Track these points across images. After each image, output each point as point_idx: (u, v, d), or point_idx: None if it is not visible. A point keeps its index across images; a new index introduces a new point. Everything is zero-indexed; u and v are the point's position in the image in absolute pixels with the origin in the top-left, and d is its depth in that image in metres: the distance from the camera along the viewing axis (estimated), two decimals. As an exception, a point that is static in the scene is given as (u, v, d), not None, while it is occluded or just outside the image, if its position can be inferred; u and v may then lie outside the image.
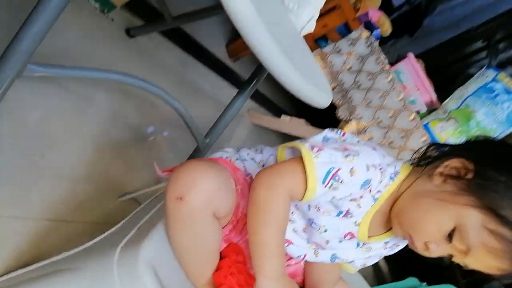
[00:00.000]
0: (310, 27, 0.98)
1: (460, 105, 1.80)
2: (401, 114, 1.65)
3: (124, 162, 1.15)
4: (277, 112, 2.30)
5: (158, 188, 1.03)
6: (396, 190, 0.63)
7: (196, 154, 1.25)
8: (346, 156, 0.59)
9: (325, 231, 0.66)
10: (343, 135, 0.68)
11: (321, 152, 0.60)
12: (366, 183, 0.60)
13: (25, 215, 0.84)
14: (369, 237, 0.66)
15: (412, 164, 0.69)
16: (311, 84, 0.77)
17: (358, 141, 0.66)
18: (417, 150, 0.69)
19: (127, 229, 0.68)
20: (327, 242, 0.67)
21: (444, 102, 1.86)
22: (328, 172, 0.58)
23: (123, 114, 1.21)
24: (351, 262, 0.75)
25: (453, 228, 0.57)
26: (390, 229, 0.69)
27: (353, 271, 0.78)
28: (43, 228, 0.87)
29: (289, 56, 0.69)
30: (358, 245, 0.69)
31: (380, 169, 0.61)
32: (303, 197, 0.60)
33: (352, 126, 1.75)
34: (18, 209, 0.84)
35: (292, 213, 0.69)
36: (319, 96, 0.80)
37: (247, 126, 2.02)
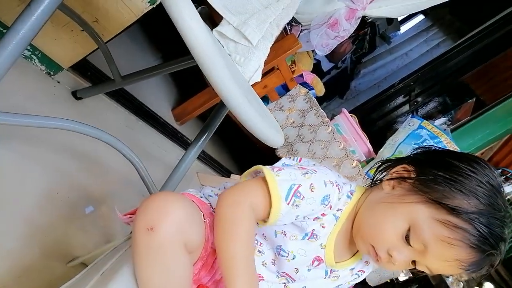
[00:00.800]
0: (257, 77, 1.06)
1: (394, 152, 1.95)
2: (344, 162, 1.75)
3: (72, 224, 1.08)
4: (225, 173, 2.33)
5: (110, 246, 0.97)
6: (354, 207, 0.67)
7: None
8: (305, 173, 0.63)
9: (294, 258, 0.67)
10: (299, 160, 0.72)
11: (281, 171, 0.63)
12: (326, 199, 0.63)
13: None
14: (336, 262, 0.68)
15: (364, 186, 0.74)
16: (267, 123, 0.82)
17: (314, 164, 0.71)
18: (368, 177, 0.75)
19: (87, 278, 0.64)
20: (297, 270, 0.68)
21: (380, 151, 2.02)
22: (290, 189, 0.61)
23: (72, 175, 1.16)
24: None
25: (408, 227, 0.60)
26: (355, 253, 0.71)
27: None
28: None
29: (247, 98, 0.74)
30: (326, 273, 0.70)
31: (337, 185, 0.65)
32: (268, 217, 0.61)
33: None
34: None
35: (260, 244, 0.69)
36: (274, 134, 0.85)
37: (196, 187, 2.00)
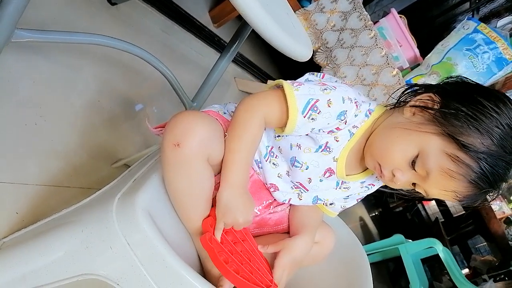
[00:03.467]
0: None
1: (442, 59, 1.83)
2: (384, 70, 1.67)
3: (115, 130, 1.18)
4: (263, 78, 2.32)
5: (149, 151, 1.06)
6: (371, 126, 0.69)
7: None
8: (324, 89, 0.65)
9: (307, 168, 0.71)
10: (322, 77, 0.72)
11: (301, 86, 0.65)
12: (342, 114, 0.65)
13: (24, 182, 0.87)
14: (346, 175, 0.71)
15: (386, 106, 0.73)
16: (291, 37, 0.79)
17: (336, 81, 0.70)
18: (394, 92, 0.74)
19: (123, 183, 0.72)
20: (309, 180, 0.72)
21: (427, 57, 1.89)
22: (307, 103, 0.63)
23: (111, 83, 1.22)
24: (331, 204, 0.80)
25: (416, 154, 0.62)
26: (366, 169, 0.74)
27: (334, 215, 0.84)
28: (42, 193, 0.90)
29: (269, 11, 0.71)
30: (337, 184, 0.74)
31: (355, 102, 0.66)
32: (283, 126, 0.65)
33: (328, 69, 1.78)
34: (17, 176, 0.86)
35: (276, 157, 0.73)
36: (299, 48, 0.83)
37: (234, 93, 2.04)
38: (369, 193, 0.79)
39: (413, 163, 0.63)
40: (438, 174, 0.61)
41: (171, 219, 0.69)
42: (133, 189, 0.66)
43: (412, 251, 2.26)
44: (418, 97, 0.66)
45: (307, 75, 0.73)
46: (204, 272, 0.71)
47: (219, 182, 0.72)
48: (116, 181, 0.77)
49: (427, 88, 0.67)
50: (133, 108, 1.27)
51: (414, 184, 0.66)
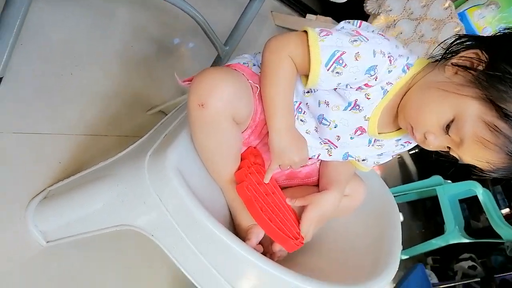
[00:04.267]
0: None
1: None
2: (434, 3, 1.52)
3: (149, 76, 1.18)
4: (302, 11, 2.19)
5: (183, 98, 1.07)
6: (408, 83, 0.63)
7: (218, 62, 1.26)
8: (354, 41, 0.59)
9: (335, 126, 0.68)
10: (359, 25, 0.67)
11: (328, 36, 0.60)
12: (372, 69, 0.60)
13: (64, 132, 0.91)
14: (379, 133, 0.68)
15: (430, 57, 0.67)
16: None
17: (373, 31, 0.65)
18: (442, 42, 0.67)
19: (154, 138, 0.73)
20: (338, 138, 0.70)
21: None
22: (332, 55, 0.59)
23: (144, 27, 1.20)
24: (364, 160, 0.78)
25: (452, 119, 0.58)
26: (401, 127, 0.70)
27: (366, 170, 0.82)
28: (81, 142, 0.94)
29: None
30: (369, 142, 0.71)
31: (389, 57, 0.60)
32: (306, 80, 0.62)
33: (380, 20, 1.64)
34: (57, 127, 0.90)
35: (304, 113, 0.71)
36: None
37: (270, 28, 1.95)
38: (404, 150, 0.76)
39: (447, 128, 0.58)
40: (473, 142, 0.56)
41: (201, 173, 0.70)
42: (164, 146, 0.67)
43: (450, 192, 2.23)
44: (464, 53, 0.59)
45: (343, 24, 0.68)
46: (233, 225, 0.74)
47: (247, 138, 0.72)
48: (149, 135, 0.79)
49: (477, 41, 0.60)
50: (167, 52, 1.26)
51: (448, 147, 0.62)
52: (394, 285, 1.97)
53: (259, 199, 0.67)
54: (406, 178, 2.97)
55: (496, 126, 0.54)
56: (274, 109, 0.64)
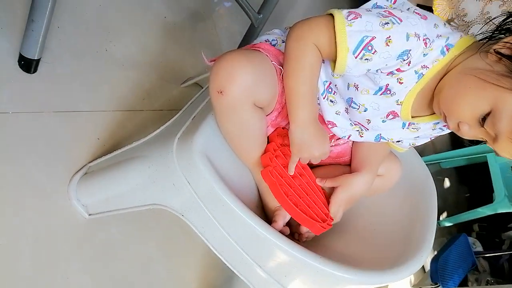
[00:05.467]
0: None
1: None
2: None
3: (183, 48, 1.18)
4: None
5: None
6: (447, 65, 0.58)
7: (252, 30, 1.23)
8: (385, 24, 0.55)
9: (365, 110, 0.65)
10: (394, 2, 0.62)
11: (356, 20, 0.56)
12: (404, 54, 0.55)
13: (101, 109, 0.94)
14: (412, 117, 0.64)
15: (476, 36, 0.61)
16: None
17: (409, 9, 0.59)
18: (490, 20, 0.60)
19: (184, 119, 0.74)
20: (369, 121, 0.67)
21: None
22: (361, 41, 0.55)
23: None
24: (398, 141, 0.74)
25: (488, 111, 0.53)
26: None
27: (402, 150, 0.78)
28: (118, 118, 0.97)
29: None
30: (404, 125, 0.67)
31: (425, 39, 0.55)
32: (331, 60, 0.59)
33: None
34: (94, 104, 0.94)
35: (334, 93, 0.68)
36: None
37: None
38: (442, 134, 0.71)
39: (483, 120, 0.54)
40: (508, 139, 0.52)
41: (230, 155, 0.71)
42: (192, 129, 0.68)
43: (501, 160, 2.10)
44: (510, 38, 0.53)
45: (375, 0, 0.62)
46: (262, 206, 0.75)
47: (274, 119, 0.70)
48: (179, 115, 0.80)
49: None
50: (201, 23, 1.24)
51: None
52: (436, 252, 1.94)
53: (284, 183, 0.67)
54: (455, 143, 2.84)
55: None
56: (296, 101, 0.62)
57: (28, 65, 0.85)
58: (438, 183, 2.22)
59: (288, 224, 0.73)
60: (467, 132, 0.57)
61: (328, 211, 0.73)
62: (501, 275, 2.14)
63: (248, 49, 0.67)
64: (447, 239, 2.06)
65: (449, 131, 0.70)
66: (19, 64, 0.84)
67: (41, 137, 0.83)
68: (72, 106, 0.89)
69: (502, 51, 0.53)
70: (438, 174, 2.58)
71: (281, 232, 0.70)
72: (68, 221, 0.82)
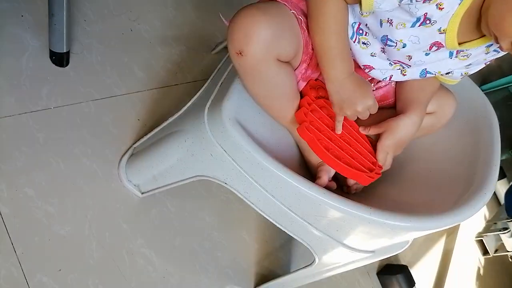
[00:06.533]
0: None
1: None
2: None
3: (208, 12, 1.14)
4: None
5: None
6: None
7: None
8: None
9: (404, 46, 0.58)
10: None
11: None
12: None
13: (136, 90, 0.95)
14: (460, 44, 0.56)
15: None
16: None
17: None
18: None
19: (212, 88, 0.72)
20: (410, 58, 0.60)
21: None
22: None
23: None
24: (448, 73, 0.66)
25: None
26: None
27: (454, 82, 0.70)
28: (154, 96, 0.98)
29: None
30: (451, 54, 0.59)
31: None
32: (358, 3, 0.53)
33: None
34: (130, 86, 0.95)
35: (366, 34, 0.62)
36: None
37: None
38: (498, 56, 0.62)
39: None
40: None
41: (263, 117, 0.68)
42: (220, 97, 0.66)
43: None
44: None
45: None
46: (306, 163, 0.72)
47: (304, 72, 0.66)
48: (207, 85, 0.78)
49: None
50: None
51: None
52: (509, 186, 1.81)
53: (323, 138, 0.64)
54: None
55: None
56: (326, 57, 0.59)
57: (59, 59, 0.87)
58: (508, 110, 2.03)
59: (335, 178, 0.70)
60: None
61: (376, 159, 0.69)
62: None
63: (264, 1, 0.63)
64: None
65: (506, 52, 0.62)
66: (51, 60, 0.87)
67: (85, 127, 0.86)
68: (108, 92, 0.91)
69: None
70: (508, 100, 2.35)
71: (328, 187, 0.68)
72: (123, 202, 0.85)
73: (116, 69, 0.94)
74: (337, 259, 0.75)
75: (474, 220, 1.74)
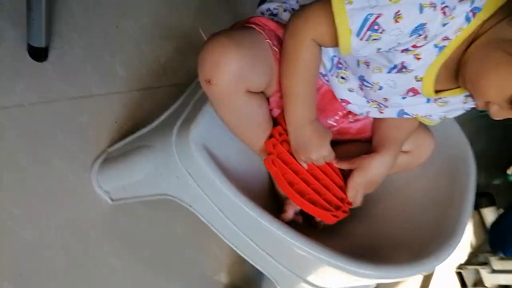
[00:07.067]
0: None
1: None
2: None
3: (198, 13, 1.11)
4: None
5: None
6: (474, 33, 0.48)
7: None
8: None
9: (380, 88, 0.57)
10: None
11: None
12: (419, 29, 0.46)
13: (116, 90, 0.93)
14: (438, 91, 0.55)
15: None
16: None
17: None
18: None
19: (184, 106, 0.70)
20: (386, 100, 0.59)
21: None
22: (365, 21, 0.47)
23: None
24: (427, 116, 0.64)
25: None
26: None
27: (433, 123, 0.68)
28: (135, 98, 0.95)
29: None
30: (428, 100, 0.58)
31: (443, 8, 0.45)
32: (337, 46, 0.51)
33: None
34: (109, 86, 0.92)
35: (345, 68, 0.60)
36: None
37: None
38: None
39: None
40: None
41: (235, 142, 0.66)
42: (191, 118, 0.63)
43: None
44: None
45: None
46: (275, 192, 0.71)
47: (279, 101, 0.64)
48: (182, 99, 0.75)
49: None
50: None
51: None
52: (500, 212, 1.77)
53: (289, 172, 0.62)
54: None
55: None
56: (290, 101, 0.58)
57: (37, 54, 0.84)
58: (503, 129, 2.01)
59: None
60: (497, 114, 0.49)
61: (346, 195, 0.67)
62: None
63: (239, 28, 0.60)
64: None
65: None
66: (29, 54, 0.84)
67: (59, 126, 0.84)
68: (86, 91, 0.88)
69: None
70: (505, 120, 2.31)
71: (294, 220, 0.67)
72: (93, 208, 0.84)
73: (97, 67, 0.91)
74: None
75: (459, 247, 1.72)
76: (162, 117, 0.76)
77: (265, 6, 0.66)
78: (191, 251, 0.95)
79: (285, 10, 0.64)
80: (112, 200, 0.85)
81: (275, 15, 0.64)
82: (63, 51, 0.87)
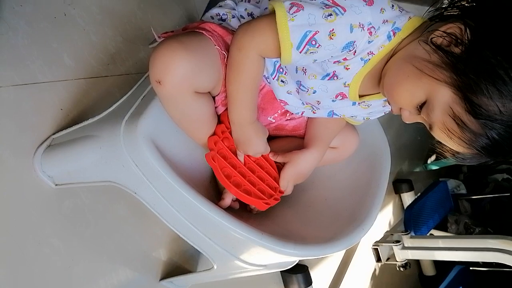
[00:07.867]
0: None
1: None
2: None
3: (150, 4, 1.13)
4: None
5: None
6: (393, 49, 0.59)
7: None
8: (328, 15, 0.54)
9: (314, 92, 0.66)
10: None
11: (298, 13, 0.54)
12: (349, 46, 0.55)
13: (62, 78, 0.94)
14: (360, 96, 0.65)
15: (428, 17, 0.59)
16: None
17: None
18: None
19: (134, 98, 0.74)
20: (318, 102, 0.68)
21: None
22: (304, 36, 0.55)
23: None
24: (352, 117, 0.75)
25: (424, 101, 0.54)
26: None
27: (358, 123, 0.79)
28: (82, 86, 0.97)
29: None
30: (354, 103, 0.68)
31: (370, 29, 0.55)
32: (280, 57, 0.59)
33: None
34: (56, 73, 0.93)
35: (285, 73, 0.68)
36: None
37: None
38: None
39: (420, 107, 0.55)
40: (439, 130, 0.54)
41: (181, 136, 0.72)
42: (139, 112, 0.68)
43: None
44: (447, 26, 0.52)
45: None
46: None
47: (224, 99, 0.70)
48: (131, 93, 0.79)
49: (474, 7, 0.51)
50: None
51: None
52: (416, 197, 2.00)
53: (227, 165, 0.69)
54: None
55: (463, 119, 0.49)
56: (234, 105, 0.65)
57: (-20, 38, 0.83)
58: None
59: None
60: (408, 118, 0.59)
61: (279, 185, 0.76)
62: (482, 217, 2.22)
63: (189, 33, 0.65)
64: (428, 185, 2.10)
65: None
66: (-29, 38, 0.83)
67: (2, 112, 0.84)
68: (31, 77, 0.89)
69: (438, 41, 0.52)
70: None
71: (231, 207, 0.74)
72: (35, 191, 0.86)
73: (43, 54, 0.91)
74: (234, 269, 0.82)
75: (378, 227, 1.92)
76: (110, 109, 0.79)
77: (214, 11, 0.72)
78: (132, 230, 0.99)
79: (233, 17, 0.70)
80: (56, 184, 0.87)
81: (224, 20, 0.71)
82: (8, 37, 0.87)
